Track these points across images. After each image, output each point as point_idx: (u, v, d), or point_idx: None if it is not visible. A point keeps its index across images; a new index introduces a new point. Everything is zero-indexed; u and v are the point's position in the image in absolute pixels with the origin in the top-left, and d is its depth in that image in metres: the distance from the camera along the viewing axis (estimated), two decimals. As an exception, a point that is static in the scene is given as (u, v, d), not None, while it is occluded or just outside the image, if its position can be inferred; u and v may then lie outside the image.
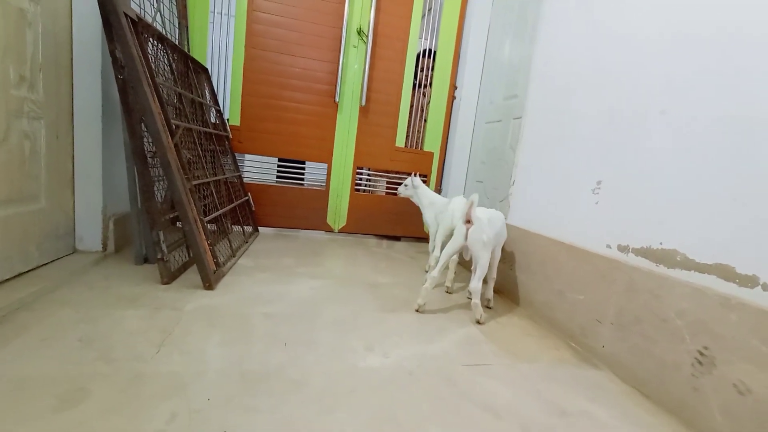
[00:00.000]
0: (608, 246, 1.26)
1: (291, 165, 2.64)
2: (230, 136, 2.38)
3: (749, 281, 0.86)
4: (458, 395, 0.97)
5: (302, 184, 2.67)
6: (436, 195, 2.11)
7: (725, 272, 0.91)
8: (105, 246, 1.67)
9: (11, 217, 1.26)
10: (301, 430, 0.78)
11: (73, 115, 1.53)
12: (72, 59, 1.50)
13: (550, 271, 1.50)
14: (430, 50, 2.68)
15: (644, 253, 1.13)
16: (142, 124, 1.42)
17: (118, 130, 1.63)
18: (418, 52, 2.63)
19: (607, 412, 0.96)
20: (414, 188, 2.12)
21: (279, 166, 2.68)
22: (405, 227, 2.80)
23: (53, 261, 1.48)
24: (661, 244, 1.08)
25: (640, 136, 1.19)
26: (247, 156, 2.51)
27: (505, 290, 1.80)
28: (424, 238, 2.85)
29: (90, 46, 1.53)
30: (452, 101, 2.72)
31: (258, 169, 2.56)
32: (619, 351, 1.16)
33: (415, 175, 2.13)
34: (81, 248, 1.63)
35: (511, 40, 2.32)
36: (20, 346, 0.96)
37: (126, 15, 1.30)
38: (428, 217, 2.06)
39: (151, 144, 1.47)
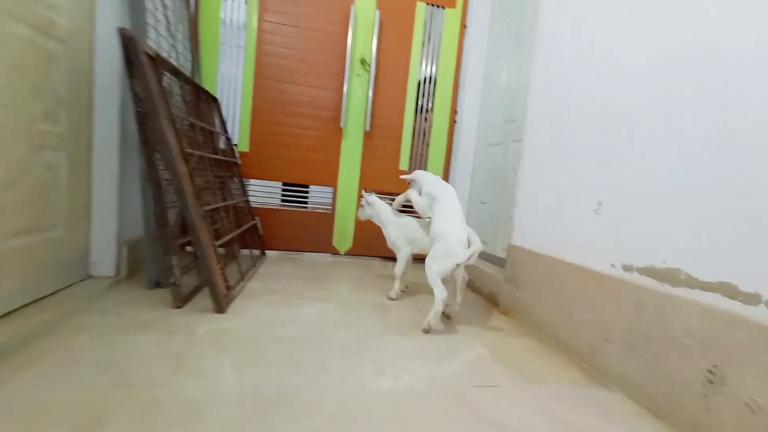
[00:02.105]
0: (612, 265, 1.28)
1: (295, 189, 2.70)
2: (239, 162, 2.45)
3: (752, 299, 0.89)
4: (469, 416, 0.97)
5: (306, 208, 2.71)
6: (396, 212, 1.99)
7: (728, 290, 0.93)
8: (118, 271, 1.71)
9: (30, 245, 1.30)
10: (317, 454, 0.79)
11: (91, 146, 1.60)
12: (92, 94, 1.58)
13: (556, 290, 1.52)
14: (430, 77, 2.79)
15: (648, 272, 1.15)
16: (158, 153, 1.48)
17: (133, 160, 1.70)
18: (419, 79, 2.73)
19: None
20: (370, 206, 1.96)
21: (283, 190, 2.74)
22: (410, 248, 2.82)
23: (68, 287, 1.51)
24: (664, 262, 1.10)
25: (636, 156, 1.23)
26: (252, 180, 2.57)
27: (513, 311, 1.80)
28: (428, 259, 2.87)
29: (109, 82, 1.61)
30: (453, 125, 2.80)
31: (263, 192, 2.62)
32: (628, 370, 1.16)
33: (368, 192, 2.01)
34: (95, 273, 1.66)
35: (509, 66, 2.42)
36: (40, 372, 0.98)
37: (146, 53, 1.39)
38: (393, 234, 1.92)
39: (165, 172, 1.53)
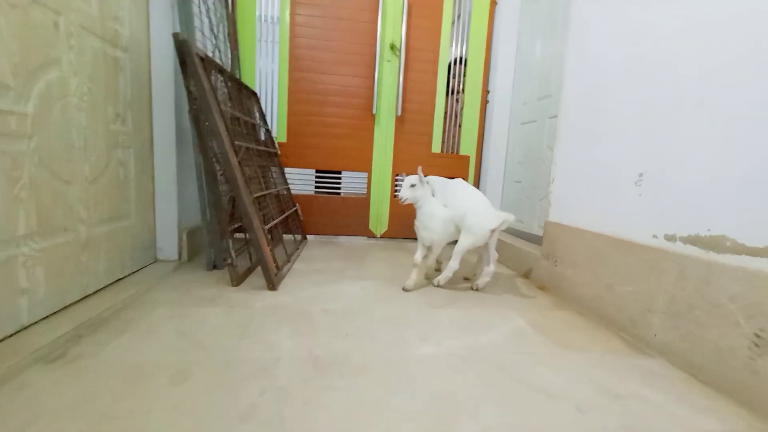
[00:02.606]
0: (654, 236, 1.27)
1: (328, 176, 2.79)
2: (279, 152, 2.59)
3: (804, 262, 0.87)
4: (511, 379, 1.03)
5: (339, 194, 2.81)
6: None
7: (778, 254, 0.92)
8: (180, 255, 1.90)
9: (112, 232, 1.48)
10: (372, 407, 0.88)
11: (152, 143, 1.77)
12: (151, 96, 1.75)
13: (595, 265, 1.52)
14: (461, 58, 2.77)
15: (692, 240, 1.14)
16: (212, 145, 1.62)
17: (188, 154, 1.86)
18: (449, 60, 2.73)
19: (663, 396, 0.99)
20: (423, 185, 1.73)
21: (317, 178, 2.83)
22: (444, 230, 2.87)
23: (141, 269, 1.71)
24: (708, 230, 1.09)
25: (679, 126, 1.21)
26: (287, 169, 2.70)
27: (551, 287, 1.82)
28: (464, 240, 2.90)
29: (165, 84, 1.77)
30: (485, 105, 2.78)
31: (299, 181, 2.75)
32: (672, 339, 1.17)
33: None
34: (161, 258, 1.86)
35: (542, 41, 2.36)
36: (131, 337, 1.14)
37: (197, 54, 1.51)
38: (441, 223, 1.71)
39: (218, 163, 1.67)
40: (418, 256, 1.70)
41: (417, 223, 1.75)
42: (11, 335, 1.04)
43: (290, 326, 1.28)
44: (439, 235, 1.69)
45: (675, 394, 1.00)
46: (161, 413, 0.81)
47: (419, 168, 1.72)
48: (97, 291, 1.40)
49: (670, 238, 1.22)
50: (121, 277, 1.56)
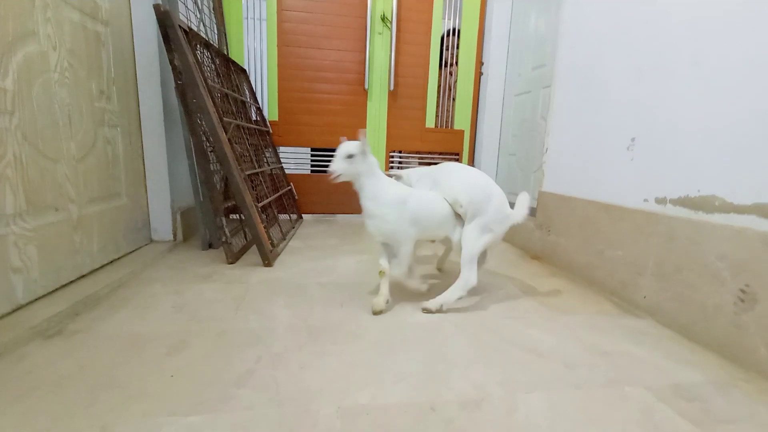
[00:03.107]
0: (645, 200, 1.28)
1: (323, 154, 2.77)
2: (270, 131, 2.56)
3: (790, 217, 0.88)
4: (501, 341, 1.06)
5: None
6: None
7: (764, 211, 0.92)
8: (175, 236, 1.90)
9: (104, 212, 1.48)
10: (366, 369, 0.90)
11: (140, 121, 1.74)
12: (136, 72, 1.71)
13: (588, 232, 1.53)
14: (454, 29, 2.70)
15: (682, 202, 1.14)
16: (201, 122, 1.60)
17: (176, 132, 1.83)
18: (442, 32, 2.66)
19: (649, 353, 1.01)
20: (370, 157, 1.21)
21: (312, 156, 2.81)
22: (440, 206, 2.87)
23: (136, 249, 1.71)
24: (698, 191, 1.09)
25: (672, 88, 1.19)
26: (282, 148, 2.67)
27: (544, 256, 1.84)
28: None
29: (150, 60, 1.73)
30: (479, 77, 2.73)
31: (293, 160, 2.73)
32: (660, 300, 1.19)
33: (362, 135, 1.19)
34: (156, 238, 1.86)
35: (537, 10, 2.30)
36: (128, 312, 1.16)
37: (180, 27, 1.47)
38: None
39: (207, 141, 1.65)
40: (383, 261, 1.23)
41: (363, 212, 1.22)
42: (9, 313, 1.05)
43: (285, 299, 1.29)
44: (393, 226, 1.18)
45: (661, 350, 1.03)
46: (159, 380, 0.83)
47: (362, 132, 1.18)
48: (93, 271, 1.41)
49: (660, 201, 1.22)
50: (116, 257, 1.56)
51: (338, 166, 1.17)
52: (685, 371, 0.93)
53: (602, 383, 0.87)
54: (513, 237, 2.17)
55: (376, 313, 1.19)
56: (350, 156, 1.17)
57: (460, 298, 1.21)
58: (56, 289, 1.22)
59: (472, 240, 1.21)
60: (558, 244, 1.73)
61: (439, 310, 1.21)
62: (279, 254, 1.79)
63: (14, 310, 1.06)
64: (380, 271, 1.23)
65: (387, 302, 1.22)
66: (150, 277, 1.45)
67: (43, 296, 1.17)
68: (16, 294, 1.07)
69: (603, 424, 0.74)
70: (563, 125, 1.75)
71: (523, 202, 1.26)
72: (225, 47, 2.35)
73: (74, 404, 0.74)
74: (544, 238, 1.84)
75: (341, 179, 1.19)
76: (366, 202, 1.20)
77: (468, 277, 1.20)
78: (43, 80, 1.16)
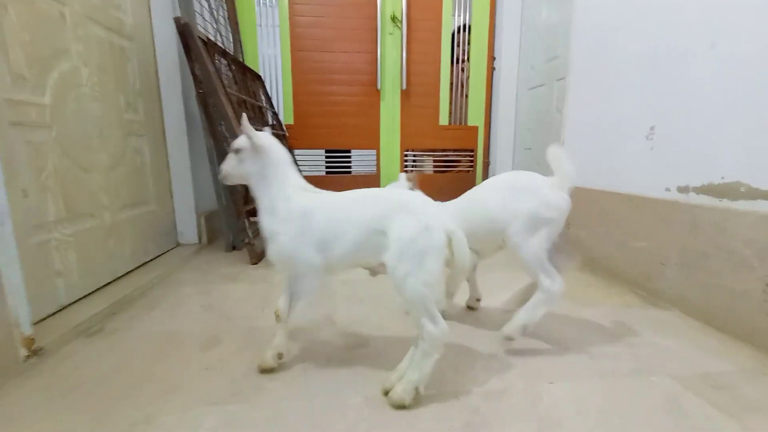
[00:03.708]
0: (667, 189, 1.26)
1: (338, 155, 2.80)
2: (287, 134, 2.61)
3: (820, 200, 0.85)
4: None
5: (350, 172, 2.82)
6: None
7: (793, 195, 0.90)
8: (200, 239, 1.97)
9: (135, 217, 1.55)
10: (392, 361, 0.93)
11: (164, 130, 1.82)
12: (159, 83, 1.78)
13: (608, 223, 1.52)
14: (465, 25, 2.70)
15: (706, 190, 1.12)
16: (221, 128, 1.66)
17: (198, 139, 1.90)
18: (452, 29, 2.66)
19: (676, 343, 1.00)
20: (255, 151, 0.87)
21: (327, 158, 2.83)
22: (456, 203, 2.88)
23: (164, 253, 1.78)
24: (722, 178, 1.07)
25: (690, 72, 1.17)
26: (297, 151, 2.72)
27: (563, 250, 1.82)
28: (475, 212, 2.90)
29: (171, 71, 1.80)
30: (492, 72, 2.72)
31: (309, 163, 2.77)
32: (686, 290, 1.17)
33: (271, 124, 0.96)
34: (182, 242, 1.94)
35: (548, 1, 2.27)
36: (161, 312, 1.21)
37: (200, 38, 1.53)
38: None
39: (228, 146, 1.71)
40: (281, 300, 0.91)
41: None
42: (53, 313, 1.12)
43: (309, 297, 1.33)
44: (289, 249, 0.83)
45: (687, 340, 1.02)
46: (194, 374, 0.87)
47: (244, 116, 0.87)
48: (126, 274, 1.48)
49: (682, 189, 1.20)
50: (146, 260, 1.63)
51: (225, 165, 0.90)
52: (712, 360, 0.92)
53: (627, 373, 0.87)
54: (531, 231, 2.15)
55: (264, 370, 0.87)
56: (237, 151, 0.87)
57: (535, 321, 0.93)
58: (94, 291, 1.29)
59: (526, 243, 0.92)
60: (578, 237, 1.72)
61: (524, 333, 0.94)
62: (299, 254, 1.83)
63: (58, 311, 1.13)
64: (276, 314, 0.90)
65: (280, 357, 0.89)
66: (179, 279, 1.51)
67: (83, 298, 1.24)
68: (59, 296, 1.14)
69: (629, 412, 0.74)
70: (580, 117, 1.73)
71: (559, 157, 0.97)
72: (240, 55, 2.42)
73: (119, 397, 0.79)
74: (564, 232, 1.82)
75: (230, 181, 0.92)
76: (261, 217, 0.86)
77: (548, 286, 0.92)
78: (76, 95, 1.23)
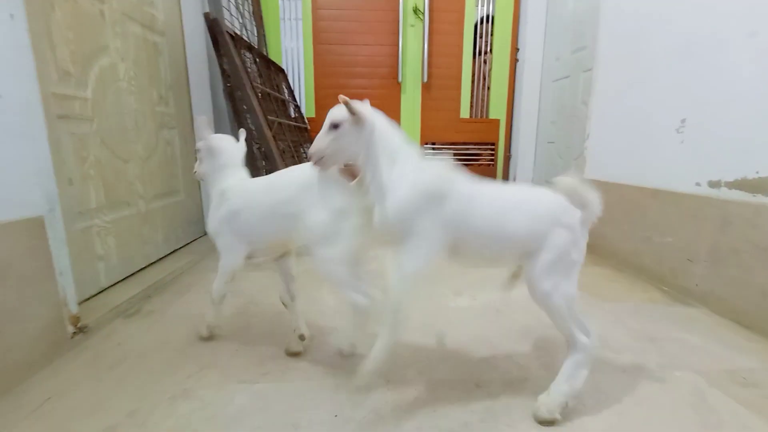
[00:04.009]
0: (698, 184, 1.22)
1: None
2: (308, 127, 2.65)
3: None
4: (545, 326, 1.06)
5: (372, 166, 2.83)
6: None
7: (834, 190, 0.87)
8: (226, 228, 2.04)
9: (166, 207, 1.62)
10: (413, 348, 0.95)
11: (193, 122, 1.88)
12: (188, 77, 1.84)
13: (634, 218, 1.49)
14: (488, 16, 2.66)
15: (739, 185, 1.09)
16: (247, 121, 1.70)
17: (225, 131, 1.95)
18: (475, 20, 2.63)
19: (702, 339, 0.99)
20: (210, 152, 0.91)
21: None
22: (475, 197, 2.86)
23: (193, 241, 1.86)
24: (757, 173, 1.04)
25: (726, 63, 1.13)
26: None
27: (588, 245, 1.79)
28: (495, 206, 2.89)
29: (199, 65, 1.86)
30: (515, 64, 2.67)
31: (334, 155, 2.81)
32: (714, 286, 1.14)
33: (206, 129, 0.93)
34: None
35: (576, -12, 2.21)
36: (192, 296, 1.28)
37: (228, 33, 1.57)
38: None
39: (253, 138, 1.76)
40: (281, 289, 0.96)
41: None
42: (95, 295, 1.19)
43: (330, 286, 1.37)
44: (210, 228, 0.91)
45: (714, 336, 1.00)
46: (227, 353, 0.92)
47: (200, 119, 0.93)
48: (159, 259, 1.56)
49: (714, 184, 1.17)
50: (177, 248, 1.71)
51: (196, 167, 0.92)
52: (740, 357, 0.90)
53: (650, 367, 0.87)
54: (553, 226, 2.12)
55: (290, 354, 0.91)
56: (197, 150, 0.88)
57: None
58: (130, 275, 1.37)
59: (555, 289, 0.71)
60: (601, 232, 1.69)
61: (565, 409, 0.71)
62: (321, 245, 1.88)
63: (99, 292, 1.21)
64: (282, 302, 0.96)
65: (302, 339, 0.91)
66: (207, 266, 1.57)
67: (121, 281, 1.32)
68: (100, 278, 1.22)
69: (652, 405, 0.74)
70: (606, 109, 1.70)
71: (578, 187, 0.73)
72: (264, 48, 2.46)
73: (158, 372, 0.85)
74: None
75: (201, 179, 0.93)
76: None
77: (583, 343, 0.71)
78: (114, 89, 1.30)
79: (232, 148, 0.96)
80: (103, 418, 0.71)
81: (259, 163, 1.81)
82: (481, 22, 2.67)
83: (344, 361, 0.89)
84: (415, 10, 2.53)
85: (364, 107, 0.72)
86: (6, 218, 0.80)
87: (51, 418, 0.71)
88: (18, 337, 0.81)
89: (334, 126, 0.72)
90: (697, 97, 1.23)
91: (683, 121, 1.28)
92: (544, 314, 1.13)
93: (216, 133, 0.92)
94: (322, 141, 0.73)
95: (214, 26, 1.53)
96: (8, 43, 0.80)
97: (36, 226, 0.86)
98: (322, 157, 0.73)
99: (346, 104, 0.69)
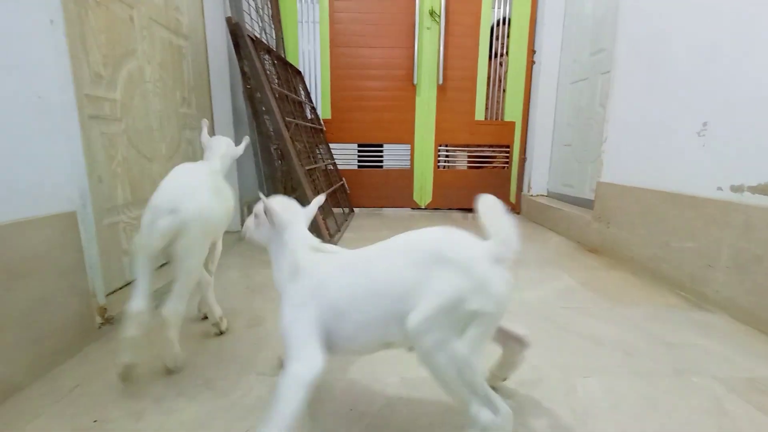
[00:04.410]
0: (719, 188, 1.20)
1: (370, 149, 2.85)
2: (324, 128, 2.69)
3: None
4: (558, 328, 1.06)
5: (381, 166, 2.86)
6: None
7: None
8: (242, 226, 2.09)
9: (187, 204, 1.67)
10: (424, 346, 0.97)
11: (213, 123, 1.94)
12: (209, 79, 1.90)
13: (652, 223, 1.46)
14: (504, 18, 2.65)
15: (762, 189, 1.07)
16: (266, 122, 1.75)
17: (243, 133, 2.01)
18: (491, 22, 2.62)
19: (721, 346, 0.97)
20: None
21: (359, 152, 2.89)
22: (489, 199, 2.85)
23: (212, 239, 1.91)
24: (782, 177, 1.02)
25: (749, 69, 1.11)
26: (332, 145, 2.79)
27: (603, 249, 1.77)
28: (510, 209, 2.88)
29: (220, 68, 1.91)
30: (531, 67, 2.66)
31: (343, 156, 2.84)
32: (735, 293, 1.12)
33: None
34: (227, 229, 2.06)
35: (595, -10, 2.19)
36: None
37: (249, 36, 1.61)
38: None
39: (271, 139, 1.80)
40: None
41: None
42: (120, 288, 1.24)
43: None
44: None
45: (734, 343, 0.98)
46: (244, 347, 0.95)
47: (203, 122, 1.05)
48: (179, 255, 1.60)
49: (736, 189, 1.14)
50: (196, 244, 1.76)
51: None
52: (761, 365, 0.88)
53: (667, 372, 0.86)
54: (568, 230, 2.11)
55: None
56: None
57: None
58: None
59: (439, 349, 0.54)
60: (618, 236, 1.67)
61: None
62: (335, 244, 1.90)
63: (124, 286, 1.26)
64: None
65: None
66: (225, 263, 1.62)
67: (144, 276, 1.36)
68: (125, 272, 1.27)
69: (667, 410, 0.74)
70: (624, 112, 1.68)
71: (493, 213, 0.61)
72: (282, 51, 2.51)
73: (180, 362, 0.88)
74: (603, 231, 1.77)
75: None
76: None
77: (483, 421, 0.55)
78: (141, 91, 1.35)
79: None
80: (130, 404, 0.75)
81: (276, 162, 1.85)
82: (498, 25, 2.67)
83: (358, 359, 0.91)
84: (432, 13, 2.55)
85: (281, 213, 0.70)
86: (45, 212, 0.84)
87: (82, 402, 0.75)
88: (52, 326, 0.86)
89: (256, 215, 0.76)
90: (720, 100, 1.21)
91: (705, 124, 1.26)
92: (559, 318, 1.13)
93: (236, 132, 0.92)
94: (249, 221, 0.78)
95: (236, 30, 1.57)
96: (48, 48, 0.85)
97: (70, 221, 0.91)
98: (245, 235, 0.79)
99: (266, 206, 0.69)
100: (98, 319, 1.01)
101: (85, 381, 0.82)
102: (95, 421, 0.70)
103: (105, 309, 1.04)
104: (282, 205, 0.73)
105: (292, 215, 0.73)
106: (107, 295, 1.12)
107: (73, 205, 0.93)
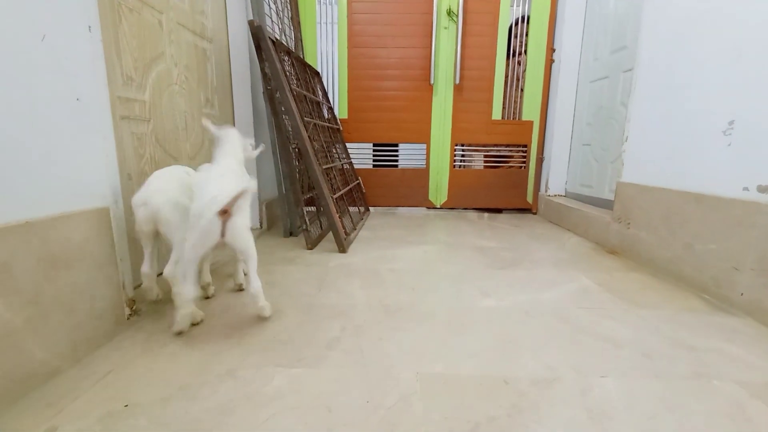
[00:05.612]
0: (745, 189, 1.17)
1: (385, 149, 2.86)
2: (341, 128, 2.73)
3: None
4: (575, 329, 1.06)
5: (396, 166, 2.87)
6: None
7: None
8: (261, 224, 2.14)
9: (209, 201, 1.73)
10: (440, 344, 0.98)
11: (234, 123, 2.00)
12: (231, 81, 1.96)
13: (674, 224, 1.43)
14: (523, 17, 2.63)
15: (791, 190, 1.03)
16: (285, 122, 1.79)
17: (263, 132, 2.06)
18: (510, 21, 2.60)
19: (744, 350, 0.95)
20: None
21: (374, 151, 2.90)
22: (507, 200, 2.83)
23: (232, 235, 1.96)
24: (812, 178, 0.98)
25: (782, 64, 1.07)
26: (349, 145, 2.81)
27: (623, 250, 1.74)
28: (527, 210, 2.85)
29: (242, 70, 1.96)
30: (551, 65, 2.62)
31: (359, 155, 2.87)
32: (761, 296, 1.09)
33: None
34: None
35: (617, -14, 2.15)
36: (232, 286, 1.36)
37: (270, 39, 1.66)
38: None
39: (290, 139, 1.84)
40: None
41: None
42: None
43: (361, 281, 1.42)
44: None
45: (759, 348, 0.95)
46: (265, 340, 0.99)
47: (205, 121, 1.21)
48: (201, 251, 1.66)
49: (764, 189, 1.11)
50: (218, 240, 1.82)
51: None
52: (788, 371, 0.86)
53: (686, 375, 0.85)
54: (586, 230, 2.07)
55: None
56: None
57: None
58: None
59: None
60: (638, 237, 1.63)
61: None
62: (351, 242, 1.93)
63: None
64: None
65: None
66: (245, 259, 1.67)
67: (169, 270, 1.42)
68: (152, 267, 1.33)
69: (685, 413, 0.73)
70: (647, 111, 1.64)
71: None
72: (301, 51, 2.56)
73: (206, 353, 0.92)
74: (623, 232, 1.74)
75: None
76: None
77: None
78: (168, 92, 1.41)
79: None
80: (158, 390, 0.79)
81: (295, 161, 1.89)
82: (516, 23, 2.64)
83: (375, 354, 0.93)
84: (449, 13, 2.55)
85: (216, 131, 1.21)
86: (82, 207, 0.90)
87: (113, 388, 0.80)
88: (87, 315, 0.91)
89: None
90: (747, 98, 1.18)
91: (731, 123, 1.23)
92: (576, 319, 1.12)
93: (256, 132, 1.23)
94: None
95: (258, 33, 1.62)
96: (86, 52, 0.91)
97: (103, 216, 0.96)
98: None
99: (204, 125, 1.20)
100: (127, 311, 1.06)
101: (117, 368, 0.87)
102: (126, 406, 0.75)
103: (134, 301, 1.09)
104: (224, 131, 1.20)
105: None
106: (134, 288, 1.18)
107: (106, 201, 0.98)
